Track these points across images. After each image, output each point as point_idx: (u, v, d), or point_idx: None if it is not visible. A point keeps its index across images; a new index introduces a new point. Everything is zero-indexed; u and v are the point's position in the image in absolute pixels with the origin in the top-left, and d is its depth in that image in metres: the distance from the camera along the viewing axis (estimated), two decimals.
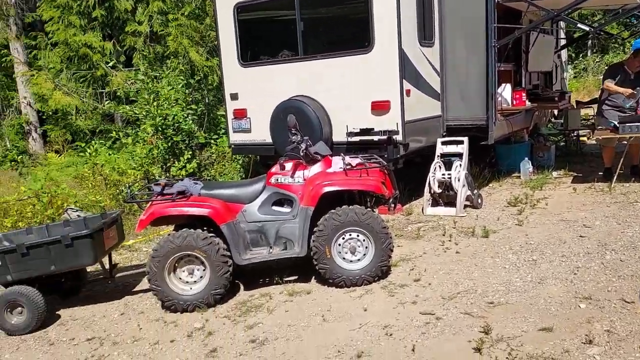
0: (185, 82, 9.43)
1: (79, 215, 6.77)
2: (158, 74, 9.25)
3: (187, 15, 11.74)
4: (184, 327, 4.33)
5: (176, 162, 8.52)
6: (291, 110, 6.20)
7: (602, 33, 12.34)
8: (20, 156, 13.94)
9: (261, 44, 7.68)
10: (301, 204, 4.79)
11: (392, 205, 5.04)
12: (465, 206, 7.06)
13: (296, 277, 5.12)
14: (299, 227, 4.77)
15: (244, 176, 9.26)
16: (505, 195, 7.45)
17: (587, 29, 8.38)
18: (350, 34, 7.02)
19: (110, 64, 12.13)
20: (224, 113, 8.32)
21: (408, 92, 6.67)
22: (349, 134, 6.70)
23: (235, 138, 7.92)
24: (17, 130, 15.42)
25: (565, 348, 3.37)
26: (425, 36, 7.07)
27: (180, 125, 8.67)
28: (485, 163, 8.54)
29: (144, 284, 5.20)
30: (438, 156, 7.28)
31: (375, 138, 6.61)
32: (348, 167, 4.86)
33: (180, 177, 6.90)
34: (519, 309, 3.98)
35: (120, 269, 5.89)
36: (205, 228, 4.72)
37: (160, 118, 8.43)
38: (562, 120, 10.52)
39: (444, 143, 7.36)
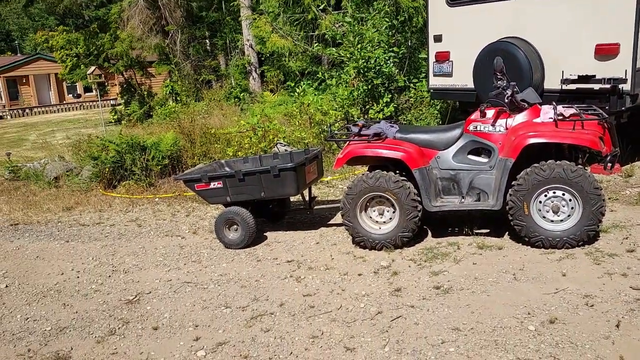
0: (389, 23, 9.37)
1: (286, 150, 7.42)
2: (364, 16, 9.35)
3: None
4: (371, 263, 4.54)
5: (375, 105, 8.68)
6: (499, 53, 5.75)
7: None
8: (243, 93, 15.66)
9: None
10: (500, 155, 4.52)
11: (610, 165, 4.43)
12: None
13: (487, 230, 4.92)
14: (496, 178, 4.53)
15: (440, 122, 9.04)
16: None
17: None
18: None
19: (321, 7, 12.63)
20: (426, 56, 8.12)
21: None
22: (564, 81, 5.99)
23: (435, 82, 7.71)
24: (240, 70, 17.24)
25: None
26: None
27: (381, 68, 8.74)
28: None
29: (338, 218, 5.54)
30: None
31: (596, 87, 5.80)
32: (560, 117, 4.39)
33: (378, 119, 7.02)
34: None
35: (318, 202, 6.36)
36: (398, 171, 4.78)
37: (363, 61, 8.59)
38: None
39: None
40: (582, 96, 5.84)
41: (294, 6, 13.29)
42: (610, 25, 5.70)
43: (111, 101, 27.40)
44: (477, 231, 4.90)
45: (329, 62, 14.02)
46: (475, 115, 4.74)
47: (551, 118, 4.43)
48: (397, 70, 9.76)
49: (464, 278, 4.05)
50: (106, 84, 23.55)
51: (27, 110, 29.45)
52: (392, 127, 4.96)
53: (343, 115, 8.73)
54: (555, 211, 4.36)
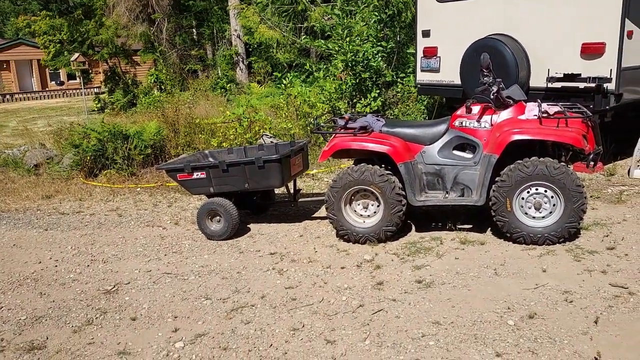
0: (378, 17, 9.34)
1: (272, 142, 7.38)
2: (353, 9, 9.31)
3: None
4: (354, 256, 4.52)
5: (362, 99, 8.66)
6: (486, 50, 5.75)
7: None
8: (229, 84, 15.54)
9: None
10: (485, 151, 4.52)
11: (592, 163, 4.46)
12: None
13: (470, 226, 4.94)
14: (480, 174, 4.54)
15: (427, 117, 9.05)
16: None
17: None
18: None
19: None
20: (414, 51, 8.12)
21: (630, 33, 5.69)
22: (550, 79, 6.02)
23: (422, 77, 7.71)
24: (227, 60, 17.09)
25: None
26: None
27: (369, 62, 8.72)
28: None
29: (323, 211, 5.52)
30: None
31: (581, 85, 5.84)
32: (544, 115, 4.41)
33: (364, 113, 7.00)
34: None
35: (303, 195, 6.33)
36: (383, 165, 4.77)
37: (351, 54, 8.56)
38: None
39: None
40: (567, 94, 5.89)
41: None
42: (596, 25, 5.74)
43: (95, 89, 26.99)
44: (460, 226, 4.91)
45: (317, 55, 13.97)
46: (461, 111, 4.75)
47: (536, 115, 4.45)
48: (385, 65, 9.75)
49: (445, 272, 4.06)
50: (90, 71, 23.21)
51: (7, 97, 28.88)
52: (379, 120, 4.94)
53: (330, 108, 8.70)
54: (537, 208, 4.39)
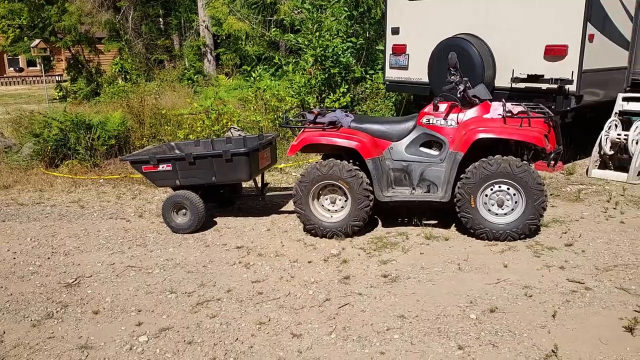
0: (348, 13, 9.36)
1: (239, 134, 7.31)
2: (323, 4, 9.30)
3: None
4: (321, 251, 4.55)
5: (331, 94, 8.67)
6: (453, 49, 5.85)
7: None
8: (196, 76, 15.31)
9: None
10: (451, 148, 4.61)
11: (553, 162, 4.61)
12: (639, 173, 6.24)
13: (435, 221, 5.03)
14: (445, 171, 4.62)
15: (395, 114, 9.14)
16: None
17: None
18: None
19: None
20: (383, 48, 8.18)
21: (591, 37, 5.88)
22: (514, 80, 6.18)
23: (391, 74, 7.78)
24: (195, 51, 16.84)
25: None
26: None
27: (339, 57, 8.73)
28: None
29: (290, 205, 5.51)
30: (616, 113, 6.45)
31: (544, 86, 6.01)
32: (508, 114, 4.52)
33: (333, 108, 7.02)
34: None
35: (270, 189, 6.30)
36: (351, 160, 4.80)
37: (321, 49, 8.56)
38: None
39: (625, 99, 6.49)
40: (531, 95, 6.05)
41: None
42: (560, 27, 5.91)
43: (56, 77, 26.14)
44: (425, 222, 4.99)
45: (286, 49, 13.91)
46: (429, 108, 4.82)
47: (500, 115, 4.55)
48: (355, 61, 9.79)
49: (411, 267, 4.12)
50: (52, 58, 22.44)
51: None
52: (348, 116, 4.96)
53: (299, 103, 8.68)
54: (500, 205, 4.50)
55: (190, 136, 7.82)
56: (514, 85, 6.22)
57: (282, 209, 5.77)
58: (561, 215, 5.12)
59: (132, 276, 4.24)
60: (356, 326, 3.32)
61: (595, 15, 5.85)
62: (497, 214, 4.53)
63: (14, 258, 4.67)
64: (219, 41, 16.17)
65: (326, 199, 4.86)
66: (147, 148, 6.24)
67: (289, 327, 3.35)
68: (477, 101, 4.66)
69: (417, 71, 7.25)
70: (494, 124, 4.51)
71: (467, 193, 4.49)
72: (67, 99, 17.26)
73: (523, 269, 4.01)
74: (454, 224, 4.93)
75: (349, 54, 8.99)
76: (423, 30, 7.14)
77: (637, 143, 6.13)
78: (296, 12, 11.10)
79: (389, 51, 7.71)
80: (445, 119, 4.72)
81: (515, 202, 4.46)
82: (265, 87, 8.85)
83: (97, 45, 19.04)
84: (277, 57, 10.77)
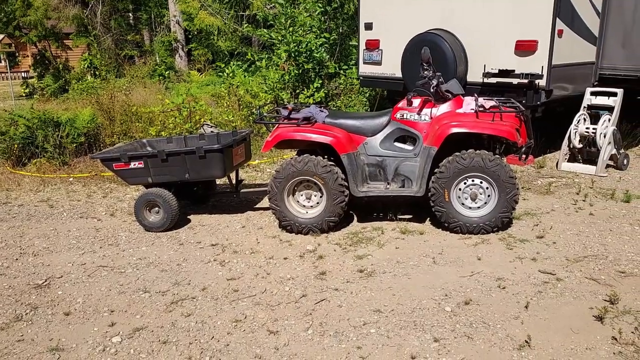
0: (322, 9, 9.34)
1: (212, 131, 7.22)
2: None
3: None
4: (297, 247, 4.53)
5: (305, 90, 8.64)
6: (426, 44, 5.89)
7: None
8: (168, 71, 15.05)
9: None
10: (425, 143, 4.64)
11: (524, 156, 4.69)
12: (608, 166, 6.40)
13: (410, 216, 5.06)
14: (420, 166, 4.65)
15: (369, 109, 9.17)
16: None
17: None
18: None
19: None
20: (356, 44, 8.18)
21: (560, 32, 5.99)
22: (486, 75, 6.25)
23: (365, 70, 7.79)
24: (166, 47, 16.56)
25: None
26: None
27: (312, 53, 8.71)
28: (638, 121, 7.58)
29: (265, 202, 5.48)
30: (584, 107, 6.59)
31: (515, 81, 6.10)
32: (480, 109, 4.57)
33: (308, 104, 7.00)
34: None
35: (245, 186, 6.25)
36: (326, 156, 4.79)
37: (294, 44, 8.52)
38: None
39: (593, 94, 6.63)
40: (502, 90, 6.13)
41: None
42: (530, 23, 6.00)
43: (22, 73, 25.43)
44: (400, 217, 5.02)
45: (259, 44, 13.81)
46: (402, 103, 4.84)
47: (472, 109, 4.60)
48: (328, 57, 9.77)
49: (386, 262, 4.14)
50: (17, 54, 21.83)
51: None
52: (322, 112, 4.95)
53: (273, 99, 8.63)
54: (473, 198, 4.56)
55: (163, 133, 7.70)
56: (485, 80, 6.29)
57: (257, 206, 5.73)
58: (532, 208, 5.22)
59: (104, 276, 4.15)
60: (333, 321, 3.32)
61: (564, 10, 5.96)
62: (470, 208, 4.58)
63: None
64: (190, 36, 15.94)
65: (301, 195, 4.84)
66: (118, 145, 6.11)
67: (265, 324, 3.33)
68: (450, 96, 4.70)
69: (391, 66, 7.28)
70: (467, 118, 4.55)
71: (441, 187, 4.53)
72: (34, 96, 16.80)
73: (496, 261, 4.07)
74: (428, 218, 4.97)
75: (323, 50, 8.96)
76: (396, 25, 7.17)
77: (604, 136, 6.29)
78: (269, 7, 11.02)
79: (362, 46, 7.72)
80: (418, 114, 4.74)
81: (488, 196, 4.52)
82: (238, 83, 8.76)
83: (64, 41, 18.56)
84: (250, 53, 10.67)
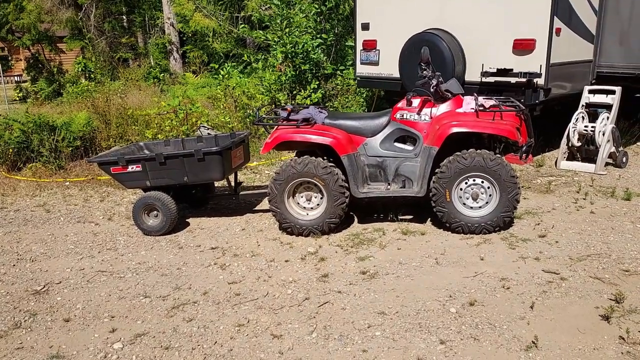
0: (317, 9, 9.30)
1: (209, 133, 7.17)
2: (292, 0, 9.22)
3: None
4: (298, 249, 4.49)
5: (302, 91, 8.61)
6: (423, 44, 5.87)
7: None
8: (163, 74, 14.98)
9: None
10: (425, 143, 4.61)
11: (524, 154, 4.67)
12: (607, 164, 6.40)
13: (411, 216, 5.03)
14: (420, 166, 4.62)
15: (366, 110, 9.14)
16: None
17: None
18: None
19: None
20: (353, 44, 8.15)
21: (558, 30, 5.98)
22: (484, 74, 6.23)
23: (362, 70, 7.76)
24: (161, 49, 16.47)
25: None
26: None
27: (309, 54, 8.67)
28: (636, 119, 7.59)
29: (265, 204, 5.44)
30: (583, 106, 6.59)
31: (513, 80, 6.09)
32: (480, 108, 4.55)
33: (306, 104, 6.96)
34: None
35: (244, 188, 6.22)
36: (326, 157, 4.75)
37: (291, 45, 8.48)
38: None
39: (591, 92, 6.63)
40: (500, 89, 6.12)
41: None
42: (527, 21, 5.99)
43: (16, 77, 25.25)
44: (401, 217, 4.99)
45: (254, 46, 13.75)
46: (402, 103, 4.81)
47: (473, 109, 4.58)
48: (325, 57, 9.74)
49: (389, 263, 4.11)
50: (10, 58, 21.66)
51: None
52: (321, 112, 4.92)
53: (270, 100, 8.59)
54: (475, 198, 4.53)
55: (159, 136, 7.64)
56: (483, 79, 6.27)
57: (256, 208, 5.69)
58: (533, 207, 5.20)
59: (103, 281, 4.10)
60: (337, 324, 3.28)
61: (561, 9, 5.95)
62: (472, 208, 4.55)
63: None
64: (185, 38, 15.87)
65: (301, 197, 4.80)
66: (114, 148, 6.06)
67: (268, 328, 3.29)
68: (450, 95, 4.68)
69: (388, 66, 7.25)
70: (467, 118, 4.53)
71: (442, 187, 4.50)
72: (28, 100, 16.68)
73: (499, 261, 4.04)
74: (429, 219, 4.95)
75: (319, 50, 8.93)
76: (393, 25, 7.14)
77: (603, 134, 6.28)
78: (264, 8, 10.97)
79: (359, 47, 7.69)
80: (418, 113, 4.72)
81: (490, 195, 4.50)
82: (234, 85, 8.72)
83: (58, 44, 18.45)
84: (246, 55, 10.63)
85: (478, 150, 4.47)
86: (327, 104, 9.11)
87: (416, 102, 4.75)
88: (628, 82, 6.80)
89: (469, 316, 3.27)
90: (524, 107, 4.66)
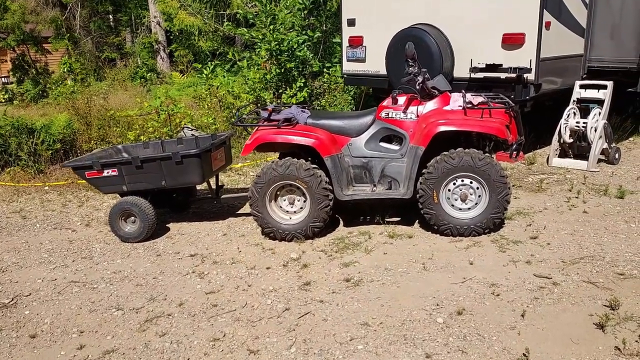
0: (302, 5, 9.09)
1: (193, 134, 6.96)
2: None
3: None
4: (280, 255, 4.30)
5: (288, 89, 8.41)
6: (410, 40, 5.68)
7: None
8: (150, 74, 14.72)
9: None
10: (411, 143, 4.43)
11: (515, 153, 4.49)
12: (599, 160, 6.25)
13: (398, 218, 4.86)
14: (407, 167, 4.44)
15: (354, 108, 8.96)
16: None
17: None
18: None
19: None
20: (340, 41, 7.96)
21: (548, 24, 5.82)
22: (473, 70, 6.06)
23: (349, 67, 7.58)
24: (147, 48, 16.21)
25: None
26: None
27: (294, 51, 8.47)
28: (628, 114, 7.45)
29: (247, 207, 5.23)
30: (574, 101, 6.43)
31: (503, 76, 5.92)
32: (468, 105, 4.37)
33: (290, 104, 6.77)
34: None
35: (226, 191, 6.02)
36: (310, 159, 4.57)
37: (275, 43, 8.27)
38: None
39: (582, 87, 6.47)
40: (490, 85, 5.95)
41: None
42: (516, 15, 5.82)
43: (2, 79, 24.88)
44: (388, 220, 4.81)
45: (242, 44, 13.53)
46: (387, 101, 4.63)
47: (460, 106, 4.41)
48: (312, 55, 9.54)
49: (374, 269, 3.93)
50: None
51: None
52: (304, 112, 4.73)
53: (255, 99, 8.38)
54: (463, 199, 4.36)
55: (142, 137, 7.43)
56: (472, 75, 6.11)
57: (239, 212, 5.50)
58: (524, 206, 5.03)
59: (75, 292, 3.91)
60: (317, 338, 3.10)
61: (551, 2, 5.78)
62: (460, 209, 4.38)
63: None
64: (171, 37, 15.61)
65: (284, 200, 4.62)
66: (95, 151, 5.85)
67: (245, 342, 3.10)
68: (437, 93, 4.50)
69: (375, 63, 7.07)
70: (455, 116, 4.35)
71: (429, 188, 4.33)
72: (14, 102, 16.38)
73: (489, 265, 3.87)
74: (417, 221, 4.77)
75: (305, 48, 8.72)
76: (380, 21, 6.95)
77: (595, 130, 6.13)
78: (250, 5, 10.75)
79: (345, 43, 7.50)
80: (404, 112, 4.54)
81: (479, 196, 4.33)
82: (219, 84, 8.50)
83: (43, 45, 18.12)
84: (230, 53, 10.40)
85: (466, 150, 4.30)
86: (314, 103, 8.92)
87: (402, 99, 4.57)
88: (619, 77, 6.65)
89: (457, 326, 3.10)
90: (513, 104, 4.48)
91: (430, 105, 4.49)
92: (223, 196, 5.35)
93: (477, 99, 4.48)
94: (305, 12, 9.53)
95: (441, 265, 3.92)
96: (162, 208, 5.36)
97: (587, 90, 6.40)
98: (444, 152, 4.31)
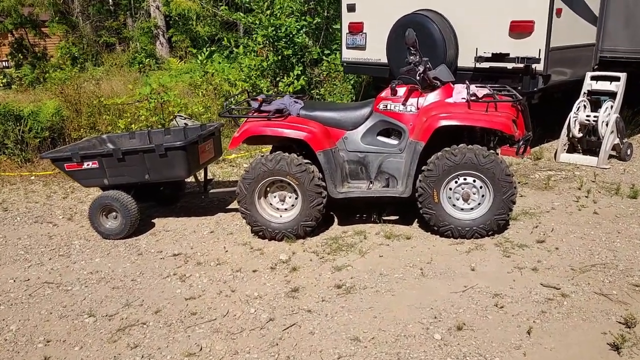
0: None
1: (185, 124, 6.67)
2: None
3: None
4: (269, 256, 4.03)
5: (285, 77, 8.08)
6: (412, 26, 5.34)
7: None
8: (148, 59, 14.36)
9: None
10: (411, 137, 4.13)
11: (522, 148, 4.17)
12: (610, 156, 5.93)
13: (396, 217, 4.56)
14: (405, 163, 4.14)
15: (354, 98, 8.62)
16: None
17: None
18: None
19: None
20: (340, 27, 7.62)
21: (559, 11, 5.47)
22: (478, 59, 5.72)
23: (348, 55, 7.24)
24: (147, 33, 15.83)
25: None
26: None
27: (293, 37, 8.12)
28: None
29: None
30: (584, 94, 6.09)
31: (510, 66, 5.58)
32: (472, 98, 4.06)
33: (284, 93, 6.45)
34: None
35: (219, 184, 5.75)
36: (303, 153, 4.27)
37: (272, 29, 7.92)
38: None
39: (594, 78, 6.12)
40: (496, 75, 5.62)
41: None
42: (526, 1, 5.47)
43: (1, 62, 24.56)
44: (385, 218, 4.52)
45: (244, 30, 13.15)
46: (386, 92, 4.32)
47: (464, 98, 4.09)
48: (312, 42, 9.19)
49: (368, 274, 3.65)
50: None
51: None
52: (297, 103, 4.42)
53: (249, 87, 8.06)
54: (466, 199, 4.06)
55: (133, 126, 7.14)
56: (477, 65, 5.77)
57: (229, 207, 5.22)
58: (531, 206, 4.73)
59: (47, 295, 3.64)
60: (302, 354, 2.82)
61: None
62: (462, 209, 4.09)
63: None
64: (171, 22, 15.24)
65: (274, 197, 4.33)
66: (84, 140, 5.56)
67: (222, 358, 2.83)
68: (439, 84, 4.19)
69: (376, 51, 6.73)
70: (458, 109, 4.04)
71: (429, 187, 4.03)
72: (12, 87, 16.08)
73: (492, 272, 3.58)
74: (416, 220, 4.48)
75: (304, 34, 8.37)
76: (381, 7, 6.61)
77: (606, 125, 5.80)
78: None
79: (345, 30, 7.16)
80: (404, 104, 4.23)
81: (482, 196, 4.03)
82: (214, 71, 8.18)
83: (41, 29, 17.77)
84: (225, 39, 10.04)
85: (469, 146, 3.98)
86: (313, 91, 8.59)
87: (401, 91, 4.26)
88: (633, 68, 6.30)
89: (456, 344, 2.81)
90: (521, 97, 4.16)
91: (432, 97, 4.17)
92: (214, 190, 5.05)
93: (482, 91, 4.17)
94: None
95: (440, 271, 3.63)
96: (148, 202, 5.09)
97: (599, 82, 6.06)
98: (445, 148, 4.00)
